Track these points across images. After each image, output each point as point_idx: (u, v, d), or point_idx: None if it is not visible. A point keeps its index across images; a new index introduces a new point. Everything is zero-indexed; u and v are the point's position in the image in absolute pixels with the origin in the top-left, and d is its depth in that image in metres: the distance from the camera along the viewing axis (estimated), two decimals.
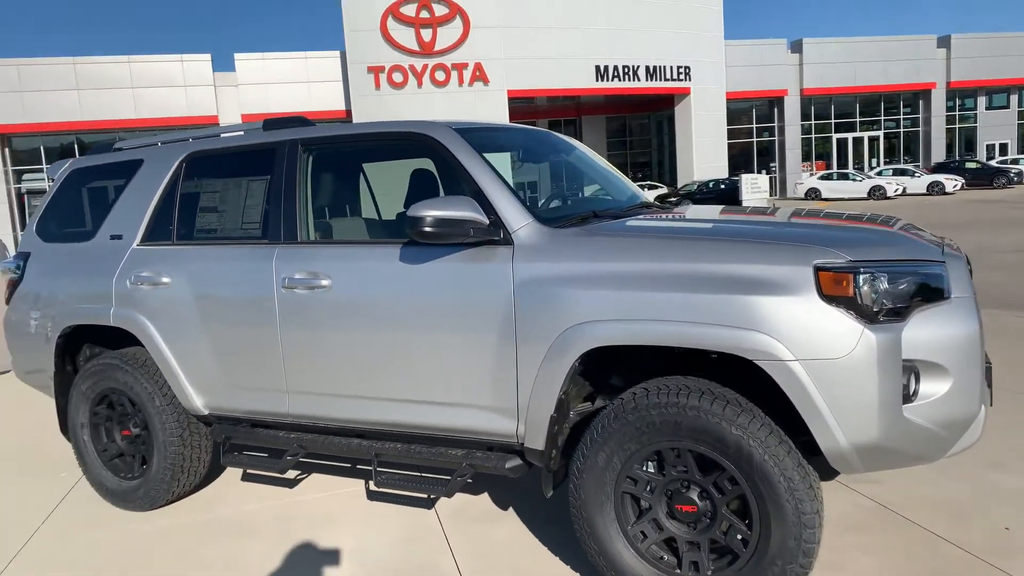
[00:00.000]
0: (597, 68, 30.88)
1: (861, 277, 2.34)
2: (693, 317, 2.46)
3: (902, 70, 38.61)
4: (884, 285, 2.36)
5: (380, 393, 3.13)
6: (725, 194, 31.71)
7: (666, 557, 2.66)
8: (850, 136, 39.91)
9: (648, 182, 36.67)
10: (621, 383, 2.93)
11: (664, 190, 34.68)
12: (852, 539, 3.14)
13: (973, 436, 2.53)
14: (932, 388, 2.41)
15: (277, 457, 3.52)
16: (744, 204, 30.40)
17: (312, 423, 3.39)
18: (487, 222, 2.79)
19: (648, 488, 2.65)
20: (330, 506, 3.78)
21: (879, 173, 35.07)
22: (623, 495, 2.68)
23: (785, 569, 2.43)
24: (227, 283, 3.43)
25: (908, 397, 2.37)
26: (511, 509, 3.61)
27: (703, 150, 34.16)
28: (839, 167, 38.66)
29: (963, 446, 2.54)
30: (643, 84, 32.02)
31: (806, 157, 39.39)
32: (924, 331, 2.39)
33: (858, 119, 40.30)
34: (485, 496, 3.79)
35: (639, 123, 40.50)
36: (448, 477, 3.06)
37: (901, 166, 36.05)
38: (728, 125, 35.16)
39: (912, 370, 2.38)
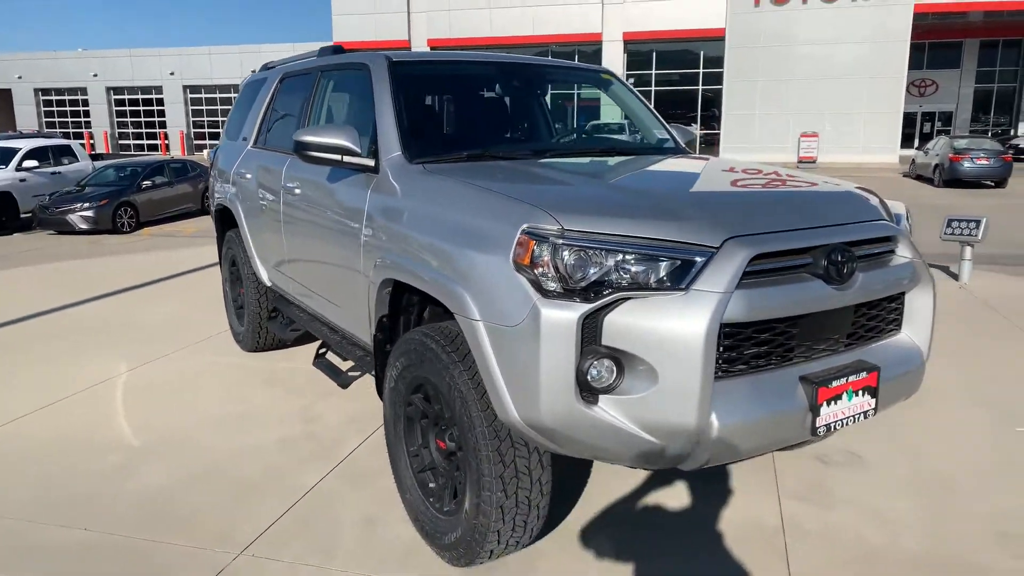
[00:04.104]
0: None
1: (542, 247, 2.12)
2: (432, 262, 2.49)
3: None
4: (573, 259, 2.10)
5: (314, 288, 3.69)
6: None
7: (432, 485, 2.80)
8: None
9: None
10: None
11: None
12: (672, 541, 2.80)
13: (703, 455, 2.14)
14: (636, 384, 2.11)
15: None
16: None
17: (302, 305, 4.11)
18: (358, 150, 3.04)
19: (424, 416, 2.79)
20: None
21: None
22: (409, 418, 2.86)
23: (471, 524, 2.45)
24: (266, 183, 4.25)
25: (594, 387, 2.11)
26: None
27: None
28: None
29: (698, 461, 2.17)
30: None
31: None
32: (636, 320, 2.08)
33: None
34: None
35: None
36: None
37: None
38: None
39: (613, 359, 2.11)
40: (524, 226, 2.20)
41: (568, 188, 2.59)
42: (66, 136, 33.64)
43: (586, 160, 3.21)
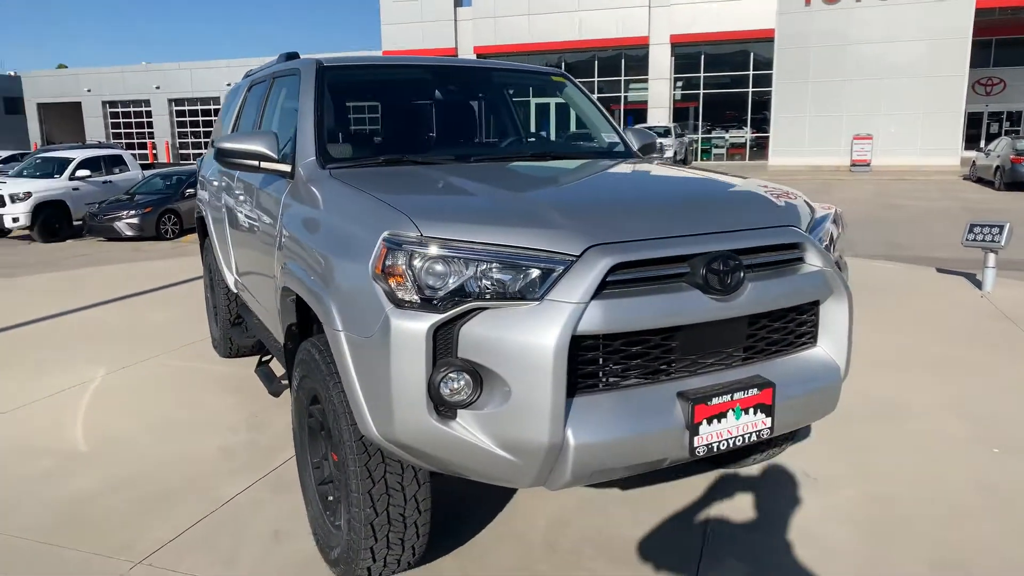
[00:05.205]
0: None
1: (398, 255, 2.02)
2: (313, 269, 2.43)
3: None
4: (429, 268, 1.99)
5: (253, 293, 3.68)
6: None
7: (330, 498, 2.73)
8: None
9: None
10: None
11: None
12: (579, 559, 2.65)
13: (563, 475, 2.01)
14: (493, 399, 2.00)
15: None
16: None
17: (253, 310, 4.11)
18: (274, 155, 3.00)
19: (322, 428, 2.72)
20: None
21: None
22: (311, 429, 2.79)
23: (346, 540, 2.37)
24: (226, 189, 4.26)
25: (449, 401, 2.00)
26: None
27: None
28: None
29: (560, 481, 2.05)
30: None
31: None
32: (490, 331, 1.97)
33: None
34: None
35: None
36: None
37: None
38: None
39: (471, 372, 2.00)
40: (385, 233, 2.11)
41: (447, 195, 2.49)
42: (131, 147, 35.09)
43: (502, 165, 3.09)
